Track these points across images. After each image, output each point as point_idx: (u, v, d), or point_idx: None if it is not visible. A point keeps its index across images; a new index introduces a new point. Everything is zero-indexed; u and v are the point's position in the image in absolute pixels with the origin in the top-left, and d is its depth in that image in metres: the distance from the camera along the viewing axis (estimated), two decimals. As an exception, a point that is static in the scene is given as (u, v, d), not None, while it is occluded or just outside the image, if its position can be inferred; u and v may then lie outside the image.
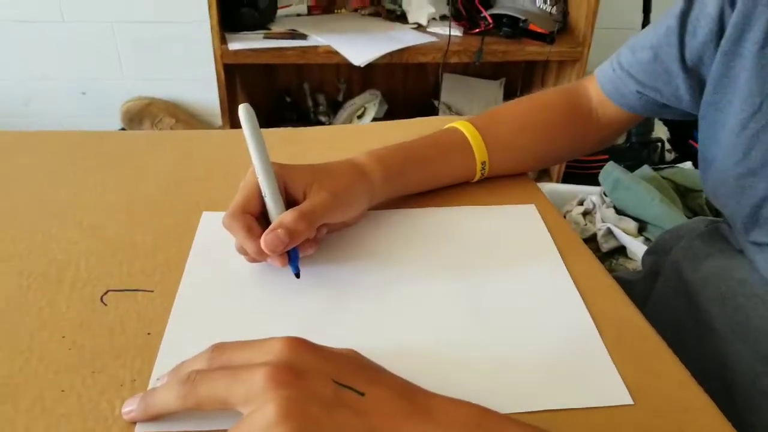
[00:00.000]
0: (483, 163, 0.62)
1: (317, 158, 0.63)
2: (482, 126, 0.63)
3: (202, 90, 1.89)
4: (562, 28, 1.70)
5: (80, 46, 1.84)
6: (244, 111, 0.50)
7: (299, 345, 0.36)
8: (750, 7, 0.51)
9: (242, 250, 0.50)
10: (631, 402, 0.42)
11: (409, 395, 0.35)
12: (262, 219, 0.51)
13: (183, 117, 1.87)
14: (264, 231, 0.48)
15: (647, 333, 0.48)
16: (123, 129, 1.87)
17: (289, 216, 0.48)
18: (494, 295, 0.50)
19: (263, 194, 0.50)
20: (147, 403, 0.38)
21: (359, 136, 0.77)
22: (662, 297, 0.66)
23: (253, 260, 0.51)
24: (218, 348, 0.38)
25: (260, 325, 0.47)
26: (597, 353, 0.45)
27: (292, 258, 0.49)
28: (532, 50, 1.64)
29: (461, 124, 0.63)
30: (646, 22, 1.76)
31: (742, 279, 0.57)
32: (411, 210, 0.60)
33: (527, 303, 0.50)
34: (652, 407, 0.41)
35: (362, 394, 0.34)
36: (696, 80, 0.58)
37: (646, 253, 0.75)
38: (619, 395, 0.42)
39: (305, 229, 0.48)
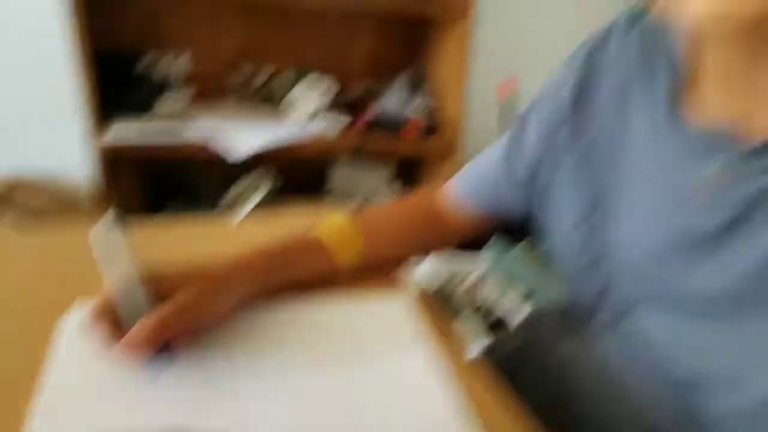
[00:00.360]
0: (347, 263, 0.65)
1: (191, 256, 0.63)
2: (353, 225, 0.67)
3: (79, 172, 1.81)
4: (434, 126, 1.84)
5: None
6: (94, 236, 0.52)
7: None
8: (570, 130, 0.60)
9: (105, 351, 0.50)
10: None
11: None
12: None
13: (55, 198, 1.79)
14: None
15: (519, 420, 0.50)
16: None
17: (150, 320, 0.49)
18: (364, 392, 0.51)
19: (122, 302, 0.50)
20: None
21: (237, 230, 0.78)
22: (527, 379, 0.69)
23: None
24: None
25: (134, 410, 0.47)
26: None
27: (151, 361, 0.49)
28: (409, 147, 1.79)
29: (333, 222, 0.66)
30: (502, 125, 1.96)
31: (592, 364, 0.62)
32: (283, 306, 0.60)
33: (398, 398, 0.51)
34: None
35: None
36: (528, 191, 0.66)
37: (517, 327, 0.79)
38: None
39: (166, 334, 0.49)
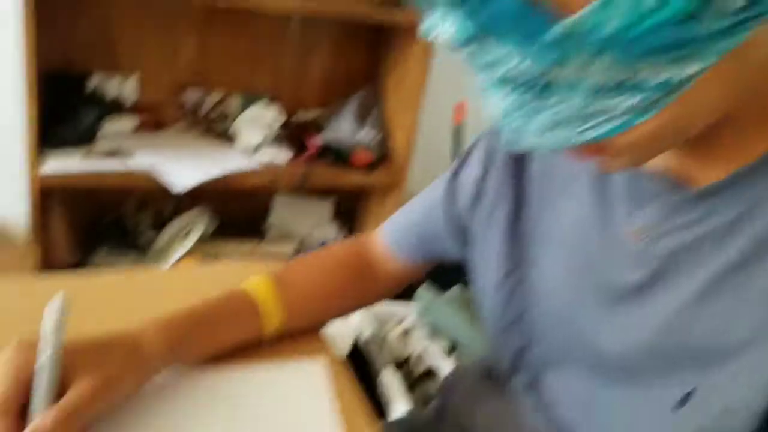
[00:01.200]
0: (274, 328, 0.65)
1: (108, 308, 0.63)
2: (277, 289, 0.66)
3: (10, 205, 1.76)
4: (383, 156, 1.84)
5: None
6: (55, 305, 0.48)
7: None
8: (499, 182, 0.61)
9: None
10: None
11: None
12: (24, 411, 0.48)
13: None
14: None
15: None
16: None
17: (48, 419, 0.45)
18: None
19: (36, 394, 0.47)
20: None
21: (167, 279, 0.78)
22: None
23: None
24: None
25: None
26: None
27: None
28: (354, 179, 1.77)
29: (256, 285, 0.65)
30: (456, 152, 1.96)
31: (519, 423, 0.63)
32: (194, 373, 0.60)
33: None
34: None
35: None
36: (461, 238, 0.66)
37: (438, 389, 0.81)
38: None
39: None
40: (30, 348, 0.49)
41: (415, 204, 0.73)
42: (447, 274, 1.98)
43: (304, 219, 2.00)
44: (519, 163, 0.60)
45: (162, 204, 1.91)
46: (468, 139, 1.97)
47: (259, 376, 0.62)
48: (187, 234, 1.81)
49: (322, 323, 0.72)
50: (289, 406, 0.59)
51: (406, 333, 1.64)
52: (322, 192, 2.03)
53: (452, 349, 1.55)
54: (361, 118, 1.83)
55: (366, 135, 1.81)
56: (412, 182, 1.82)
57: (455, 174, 0.67)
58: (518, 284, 0.59)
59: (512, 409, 0.65)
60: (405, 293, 1.95)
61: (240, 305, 0.64)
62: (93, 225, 1.85)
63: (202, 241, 1.79)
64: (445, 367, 1.44)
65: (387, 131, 1.88)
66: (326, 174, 1.74)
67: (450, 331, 1.55)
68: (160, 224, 1.88)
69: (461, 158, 0.67)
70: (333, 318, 0.74)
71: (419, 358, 1.48)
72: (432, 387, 1.43)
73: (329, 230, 2.03)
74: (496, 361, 0.71)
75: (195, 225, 1.81)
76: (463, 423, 0.70)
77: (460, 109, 1.88)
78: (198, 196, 1.92)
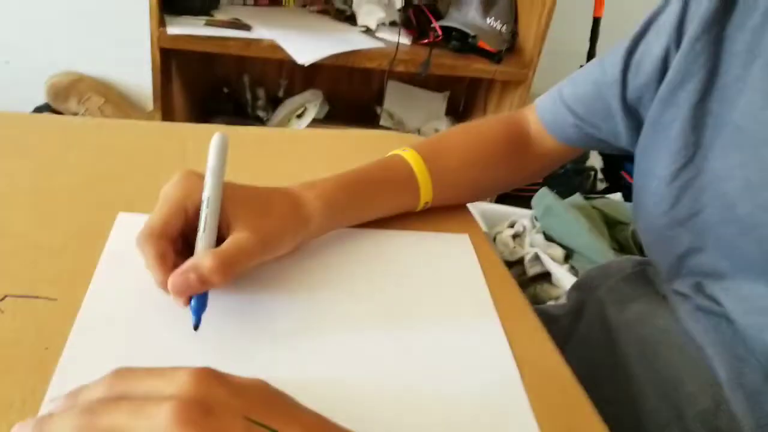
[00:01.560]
0: (426, 203, 0.61)
1: (249, 162, 0.60)
2: (429, 159, 0.61)
3: (136, 71, 1.80)
4: (510, 48, 1.72)
5: (8, 10, 1.73)
6: (217, 140, 0.46)
7: (207, 377, 0.33)
8: (691, 58, 0.52)
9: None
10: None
11: None
12: (180, 241, 0.46)
13: (113, 97, 1.78)
14: (178, 260, 0.44)
15: (571, 385, 0.47)
16: (47, 104, 1.76)
17: (207, 262, 0.43)
18: (418, 327, 0.49)
19: (200, 227, 0.45)
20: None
21: (295, 142, 0.75)
22: (584, 337, 0.66)
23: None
24: (120, 374, 0.35)
25: (169, 348, 0.44)
26: (518, 404, 0.44)
27: (196, 305, 0.43)
28: (478, 67, 1.65)
29: (409, 156, 0.61)
30: (592, 49, 1.81)
31: (664, 327, 0.58)
32: (339, 231, 0.58)
33: (451, 339, 0.48)
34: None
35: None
36: (635, 121, 0.58)
37: (572, 288, 0.76)
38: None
39: (221, 282, 0.43)
40: (197, 178, 0.47)
41: (578, 79, 0.64)
42: (568, 180, 1.91)
43: (416, 110, 1.93)
44: (719, 33, 0.51)
45: (276, 83, 1.90)
46: (607, 34, 1.83)
47: (409, 241, 0.59)
48: (301, 115, 1.79)
49: (468, 200, 0.67)
50: (441, 272, 0.56)
51: (515, 236, 1.58)
52: (440, 80, 1.94)
53: (567, 256, 1.48)
54: (488, 4, 1.70)
55: (493, 23, 1.68)
56: (540, 78, 1.70)
57: (635, 44, 0.57)
58: (694, 179, 0.52)
59: (666, 311, 0.59)
60: (517, 196, 1.90)
61: (398, 173, 0.60)
62: (209, 96, 1.86)
63: (315, 122, 1.77)
64: (560, 272, 1.38)
65: (516, 20, 1.74)
66: (448, 60, 1.64)
67: (567, 237, 1.47)
68: (274, 102, 1.87)
69: (642, 27, 0.57)
70: (480, 196, 0.68)
71: (533, 261, 1.42)
72: (547, 290, 1.38)
73: (442, 125, 1.95)
74: (651, 261, 0.65)
75: (309, 106, 1.78)
76: (609, 319, 0.64)
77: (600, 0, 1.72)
78: (311, 78, 1.90)
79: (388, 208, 0.60)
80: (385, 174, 0.59)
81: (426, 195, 0.60)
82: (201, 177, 0.47)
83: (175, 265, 0.44)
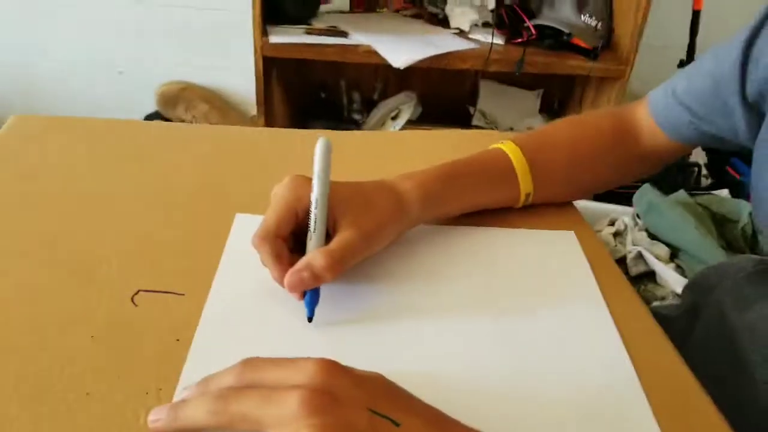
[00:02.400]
0: (527, 194, 0.60)
1: (349, 165, 0.62)
2: (530, 154, 0.60)
3: (238, 79, 1.89)
4: (605, 43, 1.67)
5: (122, 25, 1.85)
6: (322, 145, 0.49)
7: (333, 368, 0.35)
8: None
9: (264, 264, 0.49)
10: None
11: (443, 427, 0.34)
12: (292, 238, 0.49)
13: (217, 104, 1.88)
14: (291, 257, 0.47)
15: (691, 386, 0.45)
16: (157, 111, 1.88)
17: (319, 261, 0.46)
18: (527, 325, 0.49)
19: (310, 229, 0.48)
20: (176, 415, 0.37)
21: (393, 144, 0.76)
22: (703, 340, 0.63)
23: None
24: (249, 364, 0.37)
25: (290, 340, 0.46)
26: (636, 402, 0.43)
27: (309, 299, 0.46)
28: (573, 64, 1.61)
29: (509, 148, 0.60)
30: (692, 42, 1.72)
31: None
32: (444, 228, 0.58)
33: (562, 337, 0.48)
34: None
35: (398, 424, 0.33)
36: (755, 115, 0.55)
37: (686, 287, 0.72)
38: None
39: (331, 279, 0.46)
40: (305, 181, 0.49)
41: (692, 73, 0.61)
42: (670, 176, 1.83)
43: (510, 109, 1.91)
44: None
45: (371, 86, 1.93)
46: (707, 28, 1.74)
47: (511, 238, 0.58)
48: (395, 117, 1.80)
49: (570, 197, 0.66)
50: (547, 269, 0.55)
51: (617, 234, 1.53)
52: (534, 79, 1.91)
53: (673, 255, 1.41)
54: (583, 1, 1.66)
55: (588, 20, 1.64)
56: (637, 74, 1.64)
57: (754, 35, 0.54)
58: None
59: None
60: (616, 193, 1.83)
61: (498, 166, 0.60)
62: (307, 101, 1.92)
63: (409, 124, 1.78)
64: (666, 272, 1.32)
65: (612, 15, 1.69)
66: (542, 59, 1.61)
67: (672, 235, 1.41)
68: (369, 105, 1.90)
69: (761, 17, 0.54)
70: (583, 193, 0.67)
71: (636, 259, 1.37)
72: (652, 290, 1.33)
73: (536, 123, 1.92)
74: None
75: (403, 108, 1.80)
76: (729, 322, 0.61)
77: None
78: (405, 80, 1.91)
79: (486, 199, 0.60)
80: (482, 165, 0.59)
81: (526, 187, 0.60)
82: (308, 180, 0.49)
83: (290, 262, 0.46)
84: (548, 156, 0.62)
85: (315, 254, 0.46)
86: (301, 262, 0.46)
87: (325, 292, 0.48)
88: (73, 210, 0.55)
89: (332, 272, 0.46)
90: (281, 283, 0.46)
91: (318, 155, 0.49)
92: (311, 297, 0.46)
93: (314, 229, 0.48)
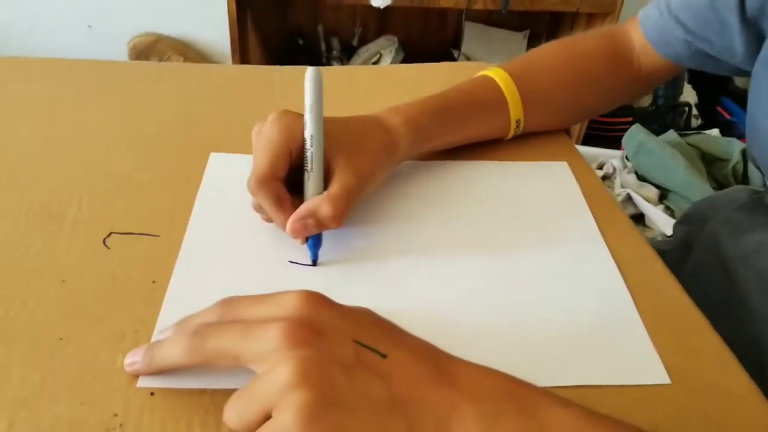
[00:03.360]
0: (518, 121, 0.58)
1: (336, 101, 0.59)
2: (519, 78, 0.58)
3: (212, 29, 1.82)
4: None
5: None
6: (312, 75, 0.45)
7: (316, 300, 0.33)
8: None
9: (260, 211, 0.46)
10: (668, 381, 0.39)
11: (434, 360, 0.32)
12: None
13: (191, 56, 1.81)
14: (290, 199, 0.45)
15: (688, 309, 0.44)
16: (131, 64, 1.82)
17: (325, 209, 0.43)
18: (522, 257, 0.47)
19: (307, 168, 0.45)
20: (152, 356, 0.35)
21: (378, 78, 0.73)
22: (696, 270, 0.62)
23: (269, 221, 0.47)
24: (228, 302, 0.35)
25: (270, 277, 0.44)
26: (633, 327, 0.42)
27: (313, 243, 0.45)
28: (561, 0, 1.57)
29: (496, 74, 0.58)
30: None
31: None
32: (435, 162, 0.56)
33: (557, 267, 0.46)
34: (691, 389, 0.38)
35: (384, 356, 0.31)
36: (754, 34, 0.53)
37: (678, 222, 0.71)
38: (656, 374, 0.39)
39: (337, 226, 0.44)
40: (295, 117, 0.46)
41: None
42: (660, 117, 1.81)
43: (495, 52, 1.86)
44: None
45: (350, 31, 1.87)
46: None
47: (504, 170, 0.56)
48: (376, 62, 1.76)
49: (563, 124, 0.64)
50: (541, 200, 0.53)
51: (605, 177, 1.52)
52: (520, 18, 1.87)
53: (662, 196, 1.40)
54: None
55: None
56: (628, 7, 1.59)
57: None
58: None
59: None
60: (605, 136, 1.81)
61: (487, 94, 0.57)
62: (284, 48, 1.86)
63: (394, 65, 1.74)
64: (655, 213, 1.32)
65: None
66: (525, -2, 1.57)
67: (662, 176, 1.40)
68: (349, 51, 1.85)
69: None
70: (577, 118, 0.65)
71: (625, 202, 1.36)
72: (641, 232, 1.32)
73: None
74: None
75: (384, 53, 1.75)
76: (723, 252, 0.59)
77: None
78: (385, 24, 1.86)
79: (476, 131, 0.57)
80: (470, 95, 0.57)
81: (516, 113, 0.57)
82: (297, 116, 0.46)
83: (292, 205, 0.44)
84: (539, 81, 0.59)
85: (319, 202, 0.44)
86: (304, 209, 0.44)
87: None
88: (41, 151, 0.52)
89: (338, 221, 0.44)
90: (283, 228, 0.44)
91: (309, 87, 0.45)
92: (314, 241, 0.44)
93: (311, 168, 0.45)
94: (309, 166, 0.45)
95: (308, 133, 0.45)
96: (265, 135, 0.45)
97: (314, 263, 0.45)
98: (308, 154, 0.45)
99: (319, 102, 0.45)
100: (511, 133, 0.59)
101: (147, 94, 0.61)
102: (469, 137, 0.57)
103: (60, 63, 0.64)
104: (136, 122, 0.57)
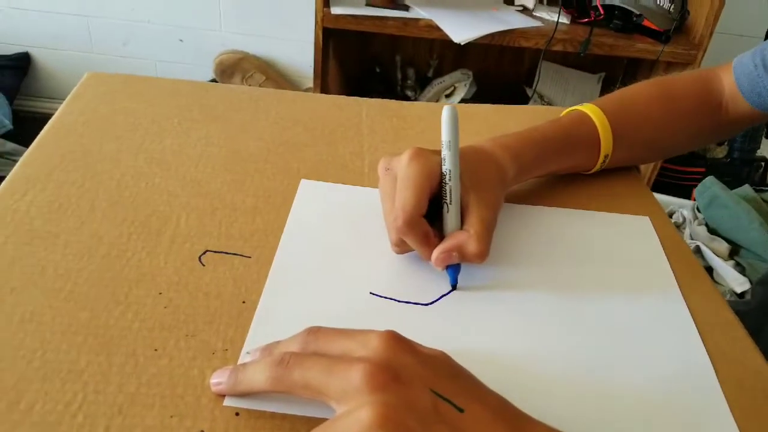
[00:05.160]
0: (606, 156, 0.59)
1: (419, 135, 0.60)
2: (612, 116, 0.58)
3: (296, 51, 1.89)
4: (677, 27, 1.60)
5: (183, -7, 1.86)
6: (449, 112, 0.48)
7: (397, 343, 0.34)
8: None
9: (400, 245, 0.48)
10: (748, 456, 0.38)
11: (508, 418, 0.33)
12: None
13: (273, 75, 1.87)
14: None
15: (773, 383, 0.43)
16: (214, 80, 1.89)
17: (472, 246, 0.46)
18: (600, 313, 0.47)
19: (447, 201, 0.47)
20: (237, 380, 0.37)
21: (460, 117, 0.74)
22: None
23: (404, 252, 0.49)
24: (314, 332, 0.36)
25: (352, 306, 0.45)
26: (712, 396, 0.41)
27: (453, 270, 0.47)
28: (642, 47, 1.55)
29: (590, 110, 0.58)
30: None
31: None
32: (517, 206, 0.57)
33: (636, 327, 0.46)
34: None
35: (461, 410, 0.32)
36: None
37: (758, 283, 0.70)
38: (736, 447, 0.38)
39: (481, 261, 0.46)
40: (430, 154, 0.48)
41: None
42: (735, 170, 1.76)
43: (569, 92, 1.86)
44: None
45: (426, 63, 1.90)
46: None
47: (585, 220, 0.56)
48: (450, 95, 1.78)
49: (647, 159, 0.65)
50: (621, 253, 0.53)
51: (676, 227, 1.48)
52: (596, 61, 1.85)
53: (733, 252, 1.36)
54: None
55: (660, 1, 1.57)
56: (709, 60, 1.57)
57: None
58: None
59: None
60: (676, 185, 1.78)
61: (581, 129, 0.58)
62: (362, 75, 1.90)
63: (463, 102, 1.75)
64: (724, 269, 1.28)
65: (687, 0, 1.62)
66: (609, 40, 1.55)
67: (734, 231, 1.36)
68: (423, 82, 1.88)
69: None
70: (659, 156, 0.66)
71: (695, 254, 1.33)
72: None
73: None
74: None
75: (458, 86, 1.77)
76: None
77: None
78: (461, 58, 1.88)
79: (568, 164, 0.59)
80: (567, 130, 0.58)
81: (606, 149, 0.58)
82: (432, 152, 0.48)
83: (437, 239, 0.47)
84: (630, 118, 0.60)
85: (465, 238, 0.46)
86: (451, 243, 0.46)
87: (395, 268, 0.48)
88: (145, 167, 0.55)
89: (483, 257, 0.46)
90: (427, 260, 0.46)
91: (446, 124, 0.47)
92: (455, 267, 0.47)
93: (450, 201, 0.47)
94: (448, 199, 0.47)
95: (446, 168, 0.47)
96: (407, 174, 0.46)
97: (454, 287, 0.47)
98: (447, 188, 0.47)
99: (455, 138, 0.47)
100: (597, 167, 0.60)
101: (243, 117, 0.64)
102: (561, 170, 0.59)
103: (165, 82, 0.68)
104: (233, 144, 0.60)
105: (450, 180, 0.47)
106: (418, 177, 0.46)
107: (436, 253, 0.46)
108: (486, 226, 0.47)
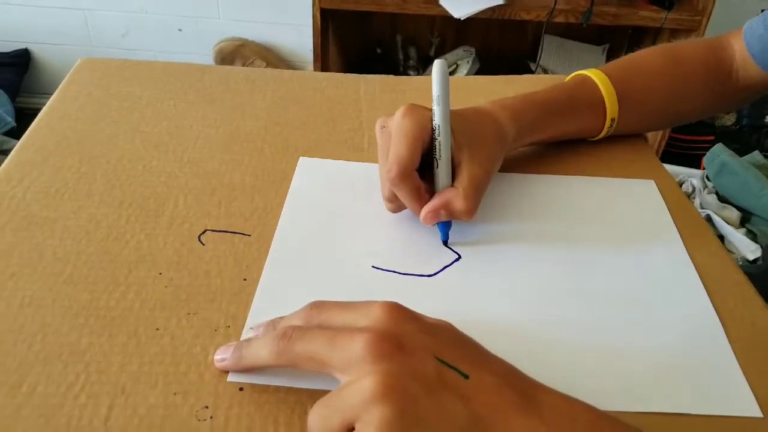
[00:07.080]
0: (612, 120, 0.58)
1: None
2: (617, 80, 0.57)
3: (296, 36, 1.87)
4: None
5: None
6: (440, 66, 0.47)
7: (399, 313, 0.33)
8: None
9: (391, 199, 0.48)
10: (760, 415, 0.37)
11: (516, 384, 0.32)
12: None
13: (274, 61, 1.86)
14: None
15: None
16: (214, 67, 1.88)
17: (459, 203, 0.46)
18: (606, 277, 0.46)
19: (436, 156, 0.47)
20: (241, 355, 0.36)
21: (460, 89, 0.73)
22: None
23: (397, 210, 0.49)
24: (316, 306, 0.36)
25: (353, 280, 0.45)
26: (722, 355, 0.41)
27: (443, 225, 0.47)
28: (645, 15, 1.53)
29: (595, 75, 0.58)
30: None
31: None
32: (519, 175, 0.56)
33: (643, 290, 0.45)
34: (785, 423, 0.37)
35: (466, 377, 0.31)
36: None
37: (765, 249, 0.68)
38: (747, 406, 0.38)
39: (469, 219, 0.47)
40: (424, 110, 0.47)
41: None
42: (744, 137, 1.74)
43: (574, 64, 1.83)
44: None
45: (428, 41, 1.88)
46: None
47: (589, 186, 0.56)
48: (452, 72, 1.76)
49: (656, 128, 0.64)
50: (627, 218, 0.52)
51: (690, 194, 1.47)
52: (599, 32, 1.83)
53: (744, 219, 1.35)
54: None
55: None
56: (713, 27, 1.54)
57: None
58: None
59: None
60: (685, 154, 1.76)
61: (585, 92, 0.57)
62: (363, 57, 1.89)
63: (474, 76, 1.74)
64: (736, 236, 1.26)
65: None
66: (611, 9, 1.54)
67: (744, 198, 1.34)
68: (425, 61, 1.86)
69: None
70: (669, 123, 0.65)
71: (707, 223, 1.31)
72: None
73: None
74: None
75: (461, 63, 1.75)
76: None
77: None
78: (462, 35, 1.86)
79: (573, 128, 0.58)
80: (570, 93, 0.57)
81: (612, 112, 0.57)
82: (426, 108, 0.48)
83: (428, 194, 0.47)
84: (636, 81, 0.59)
85: (453, 195, 0.46)
86: (439, 200, 0.46)
87: (393, 238, 0.47)
88: (142, 149, 0.55)
89: (470, 215, 0.46)
90: (417, 215, 0.47)
91: (436, 78, 0.47)
92: (446, 224, 0.47)
93: (440, 156, 0.46)
94: (438, 155, 0.46)
95: (436, 122, 0.46)
96: (400, 127, 0.46)
97: (445, 243, 0.47)
98: (437, 143, 0.46)
99: (446, 93, 0.46)
100: (604, 132, 0.59)
101: (240, 98, 0.63)
102: (566, 133, 0.58)
103: (160, 66, 0.68)
104: (230, 125, 0.59)
105: (440, 135, 0.46)
106: (411, 130, 0.46)
107: (425, 211, 0.46)
108: (475, 184, 0.46)
